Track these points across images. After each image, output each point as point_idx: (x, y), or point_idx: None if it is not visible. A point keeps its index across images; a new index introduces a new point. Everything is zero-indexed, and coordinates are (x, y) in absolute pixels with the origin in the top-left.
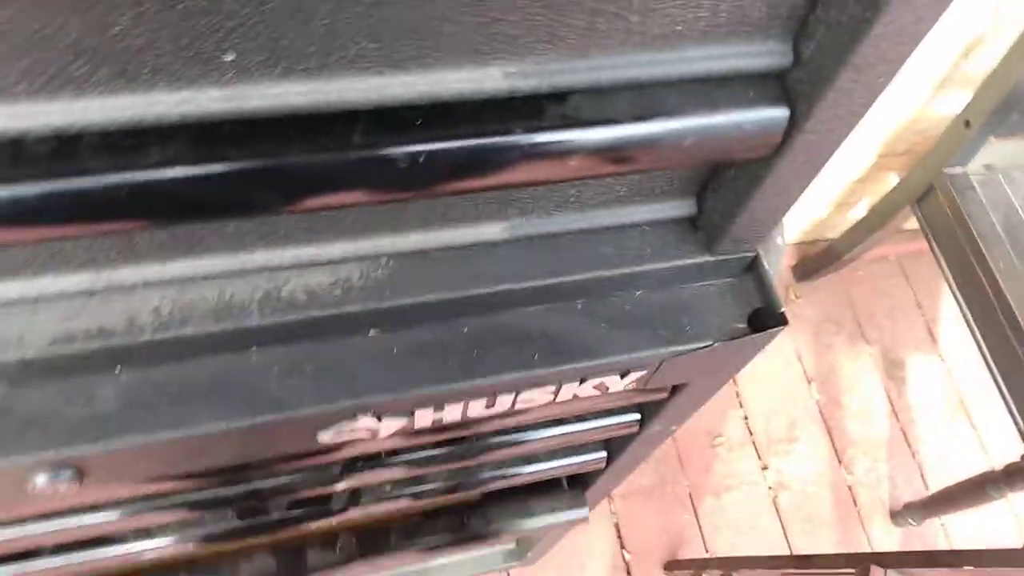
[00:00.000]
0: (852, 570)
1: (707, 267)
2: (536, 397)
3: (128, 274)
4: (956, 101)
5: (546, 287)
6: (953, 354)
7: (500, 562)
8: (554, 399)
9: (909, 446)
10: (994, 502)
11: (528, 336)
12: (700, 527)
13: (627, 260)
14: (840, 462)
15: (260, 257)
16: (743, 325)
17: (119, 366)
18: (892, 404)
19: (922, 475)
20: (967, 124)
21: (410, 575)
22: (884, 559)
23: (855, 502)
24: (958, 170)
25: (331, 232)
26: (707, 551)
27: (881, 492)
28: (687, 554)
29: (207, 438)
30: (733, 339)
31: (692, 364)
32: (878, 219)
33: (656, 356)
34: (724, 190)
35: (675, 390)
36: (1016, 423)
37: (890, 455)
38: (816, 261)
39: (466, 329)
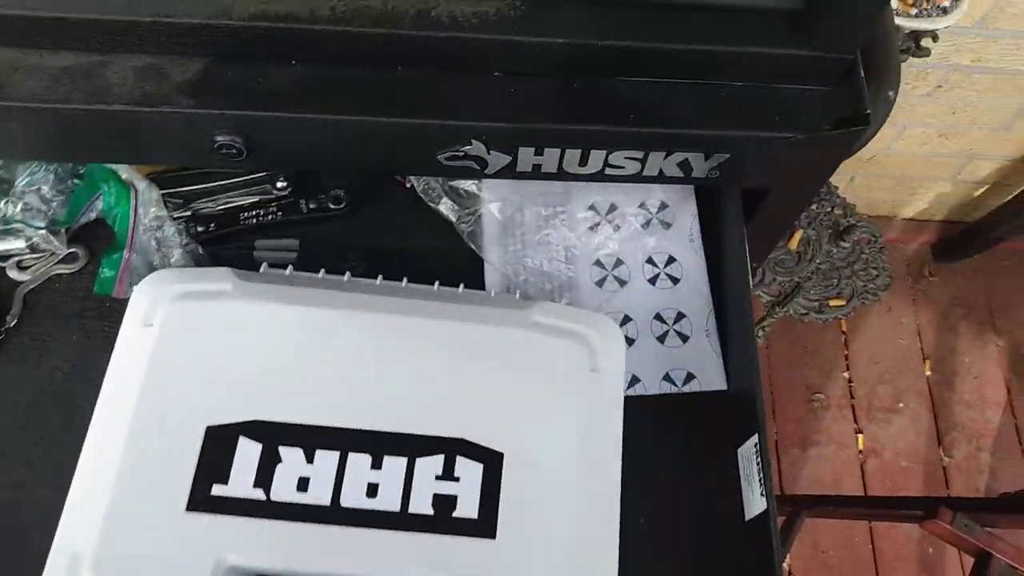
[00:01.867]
0: (920, 512)
1: (805, 63)
2: (625, 165)
3: None
4: None
5: (654, 52)
6: None
7: None
8: (641, 170)
9: (1021, 443)
10: None
11: (629, 100)
12: (780, 473)
13: (734, 39)
14: (940, 443)
15: None
16: (829, 127)
17: (294, 60)
18: (1010, 397)
19: None
20: None
21: None
22: (955, 502)
23: (947, 484)
24: None
25: None
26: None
27: (979, 481)
28: None
29: (352, 126)
30: (815, 133)
31: (773, 161)
32: None
33: (741, 138)
34: None
35: (755, 205)
36: None
37: (996, 447)
38: (959, 242)
39: (576, 85)
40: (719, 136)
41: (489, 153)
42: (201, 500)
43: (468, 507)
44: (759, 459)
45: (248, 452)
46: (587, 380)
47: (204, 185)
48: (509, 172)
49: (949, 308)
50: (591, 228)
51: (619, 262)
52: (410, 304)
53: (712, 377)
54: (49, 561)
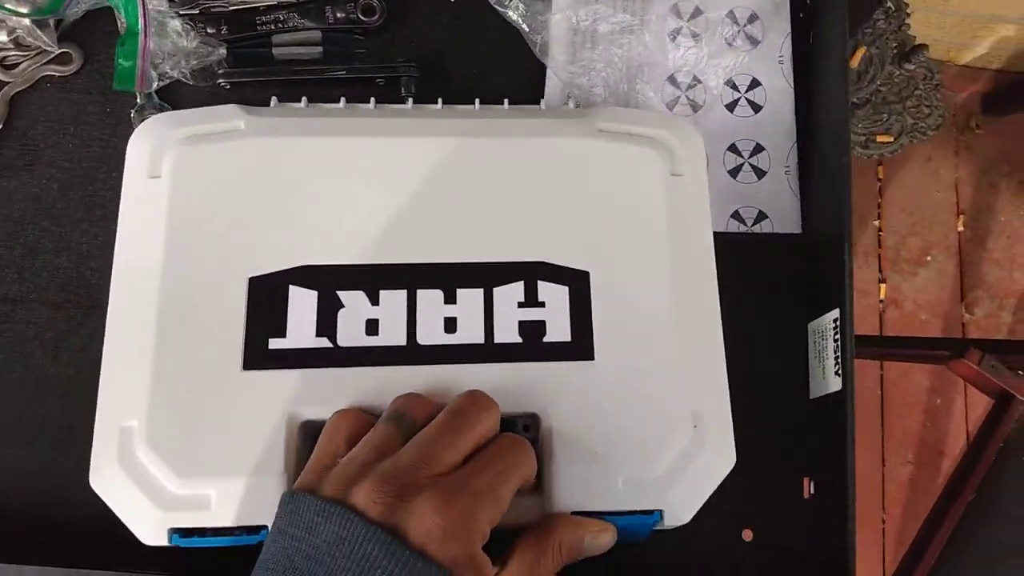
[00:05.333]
0: (947, 352)
1: None
2: None
3: None
4: None
5: None
6: None
7: None
8: None
9: None
10: None
11: None
12: None
13: None
14: (963, 300)
15: None
16: None
17: None
18: None
19: None
20: None
21: None
22: (984, 344)
23: None
24: None
25: None
26: None
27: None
28: None
29: None
30: None
31: None
32: None
33: None
34: None
35: None
36: None
37: (1019, 308)
38: (1012, 95)
39: None
40: None
41: None
42: (259, 357)
43: (559, 331)
44: (837, 336)
45: (302, 301)
46: (669, 186)
47: None
48: None
49: (992, 164)
50: (670, 36)
51: (695, 81)
52: (455, 124)
53: (787, 218)
54: (96, 441)
